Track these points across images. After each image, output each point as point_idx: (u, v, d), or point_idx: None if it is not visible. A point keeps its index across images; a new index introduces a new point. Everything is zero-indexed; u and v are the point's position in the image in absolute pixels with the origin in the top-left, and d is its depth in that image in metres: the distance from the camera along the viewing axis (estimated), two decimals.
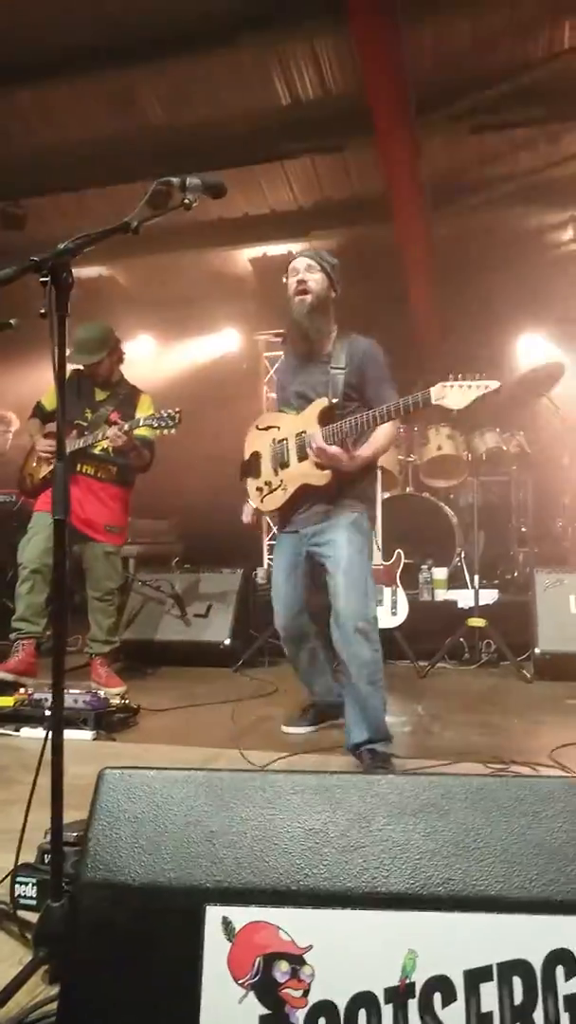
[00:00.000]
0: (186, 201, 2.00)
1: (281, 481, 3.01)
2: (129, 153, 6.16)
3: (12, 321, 3.60)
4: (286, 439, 3.00)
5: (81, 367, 4.05)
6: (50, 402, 4.13)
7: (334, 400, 2.88)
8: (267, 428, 3.12)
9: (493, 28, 5.04)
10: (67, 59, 5.36)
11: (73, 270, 1.60)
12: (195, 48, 5.26)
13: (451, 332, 6.87)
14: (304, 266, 2.93)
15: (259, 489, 3.10)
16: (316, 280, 2.91)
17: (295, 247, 7.22)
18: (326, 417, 2.88)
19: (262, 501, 3.09)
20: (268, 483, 3.06)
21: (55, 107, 5.81)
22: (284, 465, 3.00)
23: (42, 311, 1.59)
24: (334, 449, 2.80)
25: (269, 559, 6.92)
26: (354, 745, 2.83)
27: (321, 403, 2.91)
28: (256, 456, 3.13)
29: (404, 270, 6.59)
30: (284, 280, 2.99)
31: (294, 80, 5.52)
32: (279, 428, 3.07)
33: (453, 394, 2.56)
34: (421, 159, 5.53)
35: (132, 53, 5.34)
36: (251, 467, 3.14)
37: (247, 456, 3.16)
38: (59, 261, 1.59)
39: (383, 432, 2.89)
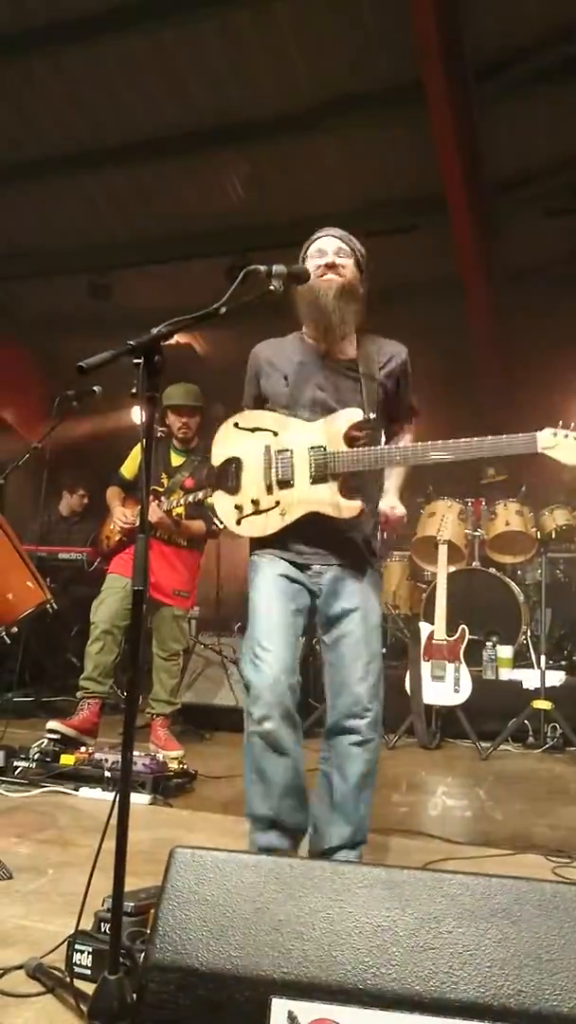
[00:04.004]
0: (272, 287, 2.10)
1: (276, 503, 2.35)
2: (209, 230, 6.47)
3: (96, 388, 3.78)
4: (289, 451, 2.35)
5: (161, 433, 4.25)
6: (128, 471, 4.27)
7: (371, 415, 2.35)
8: (254, 430, 2.42)
9: (570, 112, 5.16)
10: (156, 142, 5.72)
11: None
12: (276, 135, 5.55)
13: (520, 409, 6.88)
14: (334, 248, 2.41)
15: (237, 507, 2.39)
16: (348, 266, 2.40)
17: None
18: (355, 434, 2.34)
19: (238, 523, 2.39)
20: (255, 502, 2.36)
21: (144, 188, 6.17)
22: (285, 484, 2.34)
23: (133, 391, 1.67)
24: (399, 512, 2.47)
25: None
26: (329, 848, 2.28)
27: (353, 416, 2.34)
28: (235, 463, 2.42)
29: (474, 346, 6.67)
30: (300, 262, 2.42)
31: (370, 164, 5.73)
32: (276, 434, 2.39)
33: (565, 446, 2.15)
34: (494, 240, 5.66)
35: (217, 138, 5.67)
36: (225, 476, 2.43)
37: (217, 459, 2.47)
38: (152, 344, 1.68)
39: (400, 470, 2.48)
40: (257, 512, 2.36)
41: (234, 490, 2.41)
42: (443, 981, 0.97)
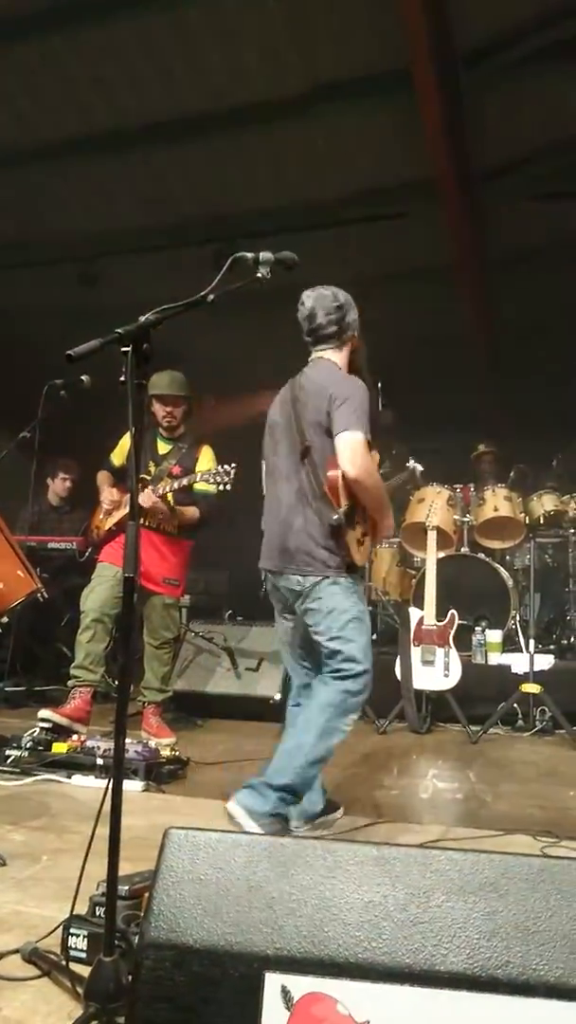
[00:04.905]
0: (259, 275, 2.10)
1: (364, 534, 2.80)
2: (198, 218, 6.43)
3: (84, 378, 3.76)
4: None
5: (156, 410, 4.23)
6: (118, 458, 4.27)
7: None
8: None
9: (562, 96, 5.15)
10: (144, 130, 5.68)
11: None
12: (264, 123, 5.52)
13: (512, 394, 6.89)
14: None
15: (359, 541, 2.73)
16: None
17: None
18: None
19: (358, 552, 2.73)
20: (364, 534, 2.78)
21: (133, 176, 6.12)
22: (365, 521, 2.81)
23: (121, 379, 1.67)
24: None
25: None
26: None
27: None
28: (354, 503, 2.71)
29: (466, 332, 6.67)
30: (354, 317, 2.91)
31: (360, 151, 5.71)
32: None
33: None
34: (486, 226, 5.65)
35: (205, 126, 5.62)
36: (353, 515, 2.70)
37: (344, 501, 2.65)
38: (140, 333, 1.67)
39: None
40: (361, 543, 2.76)
41: (354, 525, 2.72)
42: (432, 953, 0.99)
